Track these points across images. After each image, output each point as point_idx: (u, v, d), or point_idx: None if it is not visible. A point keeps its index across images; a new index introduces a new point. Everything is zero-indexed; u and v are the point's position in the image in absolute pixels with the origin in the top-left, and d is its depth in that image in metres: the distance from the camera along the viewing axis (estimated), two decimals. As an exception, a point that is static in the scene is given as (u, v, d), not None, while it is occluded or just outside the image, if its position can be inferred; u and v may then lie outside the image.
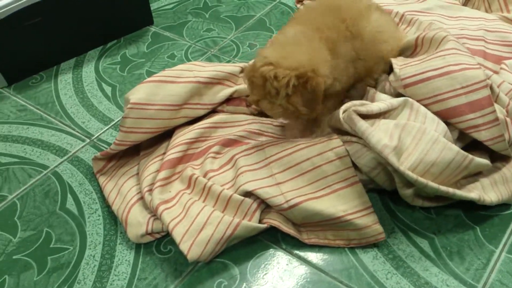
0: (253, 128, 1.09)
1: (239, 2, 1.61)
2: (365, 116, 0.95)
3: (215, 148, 1.05)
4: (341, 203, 0.93)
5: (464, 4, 1.35)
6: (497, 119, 0.93)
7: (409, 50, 1.10)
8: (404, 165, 0.89)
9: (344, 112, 0.95)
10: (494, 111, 0.93)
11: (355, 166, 0.96)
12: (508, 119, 0.96)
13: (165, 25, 1.54)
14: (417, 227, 0.97)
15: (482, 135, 0.94)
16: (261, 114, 1.14)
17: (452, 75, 0.95)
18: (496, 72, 1.07)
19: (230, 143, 1.06)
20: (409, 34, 1.16)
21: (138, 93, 1.06)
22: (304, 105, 0.93)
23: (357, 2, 1.04)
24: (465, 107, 0.94)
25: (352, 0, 1.04)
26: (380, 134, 0.90)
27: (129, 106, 1.04)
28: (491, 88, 0.98)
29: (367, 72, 1.05)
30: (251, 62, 1.04)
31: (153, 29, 1.53)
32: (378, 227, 0.93)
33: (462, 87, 0.94)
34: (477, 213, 0.97)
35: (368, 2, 1.07)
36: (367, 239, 0.93)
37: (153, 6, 1.61)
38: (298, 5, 1.56)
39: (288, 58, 0.92)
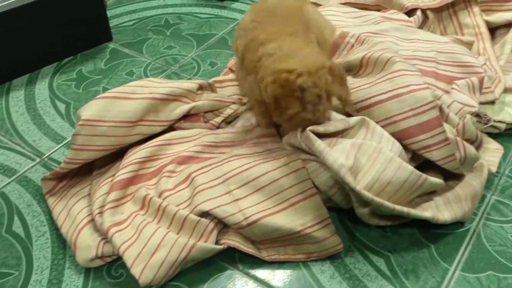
0: (208, 141, 1.07)
1: (201, 20, 1.61)
2: (322, 135, 0.96)
3: (170, 167, 1.03)
4: (299, 216, 0.93)
5: (420, 27, 1.39)
6: (447, 139, 0.95)
7: (355, 69, 1.13)
8: (360, 184, 0.89)
9: (302, 131, 0.96)
10: (444, 131, 0.95)
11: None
12: (458, 138, 0.98)
13: (125, 41, 1.52)
14: (374, 246, 0.96)
15: (434, 155, 0.96)
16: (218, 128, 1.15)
17: (401, 97, 0.98)
18: (447, 92, 1.09)
19: (185, 160, 1.04)
20: (362, 51, 1.18)
21: (90, 109, 1.03)
22: (340, 91, 0.94)
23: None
24: (416, 129, 0.96)
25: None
26: (337, 153, 0.91)
27: (80, 122, 1.01)
28: (441, 108, 1.01)
29: None
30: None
31: (111, 45, 1.51)
32: (336, 239, 0.93)
33: (412, 109, 0.97)
34: (432, 231, 0.98)
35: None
36: (326, 251, 0.93)
37: (113, 22, 1.59)
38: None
39: (305, 63, 0.92)
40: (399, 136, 0.98)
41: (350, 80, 1.10)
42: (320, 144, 0.92)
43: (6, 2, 1.25)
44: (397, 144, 0.97)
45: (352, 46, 1.21)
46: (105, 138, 1.02)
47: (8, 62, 1.35)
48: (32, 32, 1.34)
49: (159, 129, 1.10)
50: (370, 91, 1.02)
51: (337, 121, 0.98)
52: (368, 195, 0.88)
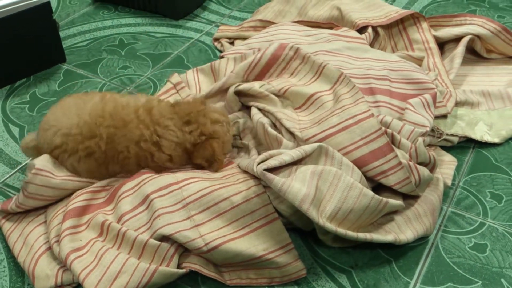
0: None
1: (156, 39, 1.60)
2: (280, 167, 0.96)
3: (125, 187, 1.00)
4: (261, 241, 0.93)
5: (371, 43, 1.43)
6: (400, 163, 0.99)
7: (297, 103, 1.15)
8: (323, 214, 0.90)
9: (257, 165, 0.95)
10: (396, 155, 0.99)
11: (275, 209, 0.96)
12: (411, 163, 1.01)
13: (79, 62, 1.50)
14: (336, 262, 0.98)
15: (390, 180, 1.00)
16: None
17: (350, 129, 1.02)
18: (402, 109, 1.12)
19: (138, 175, 1.02)
20: (302, 72, 1.21)
21: (43, 160, 1.01)
22: None
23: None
24: (369, 156, 1.00)
25: None
26: (297, 185, 0.90)
27: (33, 171, 0.98)
28: (392, 136, 1.05)
29: None
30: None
31: (65, 66, 1.48)
32: (299, 264, 0.93)
33: (362, 138, 1.01)
34: (392, 245, 1.00)
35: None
36: (289, 276, 0.93)
37: (66, 43, 1.57)
38: (215, 43, 1.57)
39: None
40: (355, 165, 1.00)
41: (296, 116, 1.12)
42: (278, 182, 0.90)
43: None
44: (357, 170, 0.99)
45: (291, 58, 1.22)
46: (56, 190, 1.00)
47: (-43, 86, 1.31)
48: (-18, 55, 1.30)
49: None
50: (320, 127, 1.05)
51: (293, 150, 0.98)
52: (332, 227, 0.90)
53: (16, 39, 1.34)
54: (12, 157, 1.19)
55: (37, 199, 1.00)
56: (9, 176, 1.14)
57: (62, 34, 1.58)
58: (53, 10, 1.72)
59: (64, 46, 1.50)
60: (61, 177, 1.01)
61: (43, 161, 1.00)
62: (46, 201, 1.01)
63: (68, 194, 1.03)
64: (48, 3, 1.35)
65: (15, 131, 1.26)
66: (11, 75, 1.40)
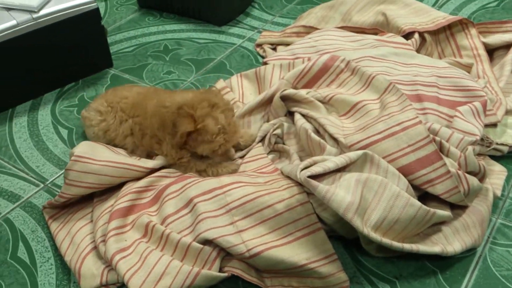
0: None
1: (199, 45, 1.62)
2: (324, 174, 0.95)
3: (170, 188, 1.02)
4: (304, 250, 0.92)
5: (418, 49, 1.40)
6: (449, 171, 0.96)
7: (342, 110, 1.14)
8: (368, 223, 0.89)
9: (301, 171, 0.94)
10: (445, 164, 0.96)
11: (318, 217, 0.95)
12: (460, 172, 0.98)
13: (125, 67, 1.53)
14: (379, 272, 0.96)
15: (438, 189, 0.97)
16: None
17: (397, 135, 1.00)
18: (450, 117, 1.10)
19: (183, 178, 1.04)
20: (351, 83, 1.20)
21: (83, 147, 1.05)
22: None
23: None
24: (416, 164, 0.97)
25: None
26: (341, 193, 0.89)
27: (73, 158, 1.01)
28: (441, 144, 1.02)
29: None
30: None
31: (112, 71, 1.52)
32: (343, 275, 0.92)
33: (409, 146, 0.98)
34: (438, 256, 0.97)
35: None
36: (331, 287, 0.92)
37: (113, 48, 1.60)
38: (258, 49, 1.58)
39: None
40: (400, 173, 0.98)
41: (340, 123, 1.11)
42: (322, 189, 0.89)
43: (10, 30, 1.26)
44: (403, 179, 0.97)
45: (342, 71, 1.21)
46: (96, 176, 1.02)
47: (11, 89, 1.35)
48: (35, 59, 1.35)
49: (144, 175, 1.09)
50: (364, 133, 1.03)
51: (337, 157, 0.97)
52: (377, 237, 0.88)
53: (67, 44, 1.38)
54: (60, 158, 1.23)
55: (78, 186, 1.01)
56: (58, 177, 1.18)
57: (109, 40, 1.62)
58: (101, 16, 1.76)
59: (111, 51, 1.54)
60: (100, 163, 1.03)
61: (82, 148, 1.04)
62: (87, 188, 1.02)
63: (108, 182, 1.04)
64: (97, 9, 1.39)
65: (64, 133, 1.30)
66: (61, 79, 1.45)
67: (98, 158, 1.03)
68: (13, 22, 1.26)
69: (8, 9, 1.30)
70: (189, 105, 1.04)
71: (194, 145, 1.05)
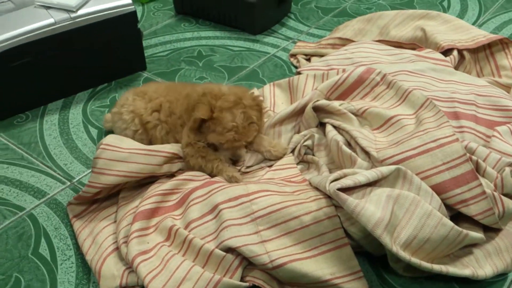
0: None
1: (233, 53, 1.62)
2: (354, 187, 0.92)
3: (196, 194, 1.01)
4: (329, 265, 0.89)
5: (456, 67, 1.36)
6: (484, 192, 0.92)
7: (376, 124, 1.12)
8: (398, 241, 0.86)
9: (330, 183, 0.91)
10: (480, 184, 0.92)
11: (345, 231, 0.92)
12: (496, 193, 0.94)
13: (158, 71, 1.54)
14: (405, 292, 0.93)
15: (472, 210, 0.93)
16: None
17: (432, 152, 0.96)
18: (488, 137, 1.06)
19: (210, 183, 1.03)
20: (386, 96, 1.17)
21: (111, 137, 1.07)
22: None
23: None
24: (450, 183, 0.94)
25: None
26: (371, 208, 0.86)
27: (101, 147, 1.03)
28: (477, 163, 0.98)
29: None
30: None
31: (145, 74, 1.53)
32: None
33: (444, 163, 0.95)
34: (468, 279, 0.93)
35: None
36: None
37: (147, 52, 1.61)
38: (291, 59, 1.56)
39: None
40: (434, 191, 0.94)
41: (373, 136, 1.08)
42: (351, 203, 0.86)
43: (48, 28, 1.28)
44: (436, 197, 0.93)
45: (377, 84, 1.19)
46: (124, 163, 1.02)
47: (45, 86, 1.37)
48: (70, 58, 1.36)
49: (178, 166, 1.10)
50: (398, 148, 1.00)
51: (368, 171, 0.94)
52: (405, 256, 0.85)
53: (102, 45, 1.40)
54: (88, 157, 1.23)
55: (107, 174, 1.01)
56: (84, 175, 1.18)
57: (144, 43, 1.63)
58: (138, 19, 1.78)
59: (145, 55, 1.55)
60: (127, 150, 1.03)
61: (109, 139, 1.06)
62: (116, 176, 1.02)
63: (136, 170, 1.03)
64: (135, 12, 1.40)
65: (94, 132, 1.31)
66: (95, 79, 1.46)
67: (125, 146, 1.04)
68: (51, 20, 1.28)
69: (47, 7, 1.32)
70: (213, 94, 1.04)
71: (205, 132, 1.05)
